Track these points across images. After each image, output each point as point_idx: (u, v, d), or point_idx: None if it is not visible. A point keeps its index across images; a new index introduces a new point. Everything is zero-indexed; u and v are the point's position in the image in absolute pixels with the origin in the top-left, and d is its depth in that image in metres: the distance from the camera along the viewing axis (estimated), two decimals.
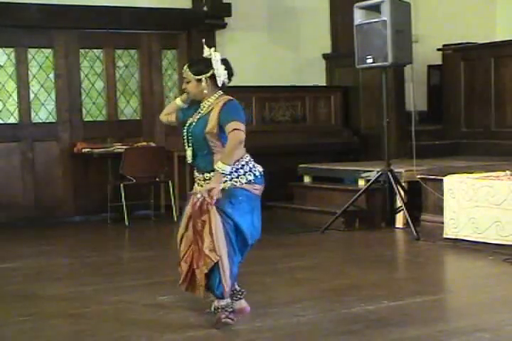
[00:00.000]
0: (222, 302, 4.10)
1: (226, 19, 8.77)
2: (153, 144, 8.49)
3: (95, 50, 8.59)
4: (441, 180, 6.46)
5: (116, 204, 7.95)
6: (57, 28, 8.28)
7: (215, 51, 4.21)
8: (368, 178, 7.36)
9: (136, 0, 8.49)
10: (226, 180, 4.08)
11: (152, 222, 8.22)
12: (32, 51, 8.29)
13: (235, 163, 4.06)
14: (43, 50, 8.34)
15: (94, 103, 8.61)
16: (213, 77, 4.16)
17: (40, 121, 8.34)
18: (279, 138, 8.71)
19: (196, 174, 4.27)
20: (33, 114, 8.31)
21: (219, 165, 4.00)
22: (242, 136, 4.02)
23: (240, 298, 4.26)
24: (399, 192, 7.01)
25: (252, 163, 4.20)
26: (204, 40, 4.34)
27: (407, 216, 6.85)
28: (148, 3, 8.53)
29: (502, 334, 3.88)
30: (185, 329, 4.06)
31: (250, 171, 4.16)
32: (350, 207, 7.18)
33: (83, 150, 8.15)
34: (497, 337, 3.83)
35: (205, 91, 4.17)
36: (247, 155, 4.20)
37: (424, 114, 9.27)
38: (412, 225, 6.69)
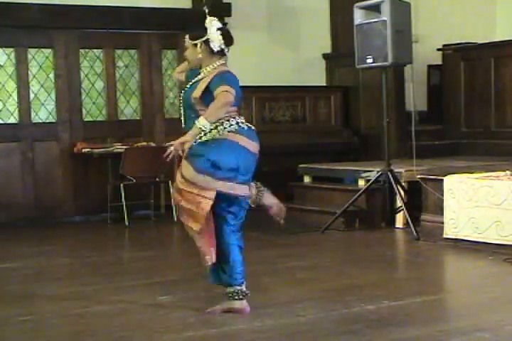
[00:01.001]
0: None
1: (226, 19, 8.76)
2: (153, 144, 8.48)
3: (95, 50, 8.59)
4: (441, 180, 6.46)
5: (116, 204, 7.95)
6: (57, 28, 8.28)
7: (216, 20, 4.29)
8: (368, 178, 7.36)
9: (136, 0, 8.49)
10: (211, 129, 4.08)
11: (152, 222, 8.22)
12: (32, 51, 8.29)
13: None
14: (43, 50, 8.34)
15: (94, 103, 8.62)
16: (208, 42, 4.21)
17: (40, 121, 8.34)
18: (279, 138, 8.71)
19: None
20: (33, 114, 8.31)
21: (199, 120, 4.01)
22: (231, 97, 4.03)
23: (242, 299, 4.26)
24: (399, 192, 7.01)
25: (240, 119, 4.19)
26: (206, 10, 4.36)
27: (407, 216, 6.85)
28: (149, 3, 8.54)
29: (502, 334, 3.88)
30: (185, 329, 4.06)
31: (237, 124, 4.16)
32: (350, 207, 7.17)
33: (83, 150, 8.15)
34: (497, 337, 3.83)
35: (200, 56, 4.22)
36: (243, 120, 4.21)
37: (424, 114, 9.27)
38: (412, 225, 6.68)
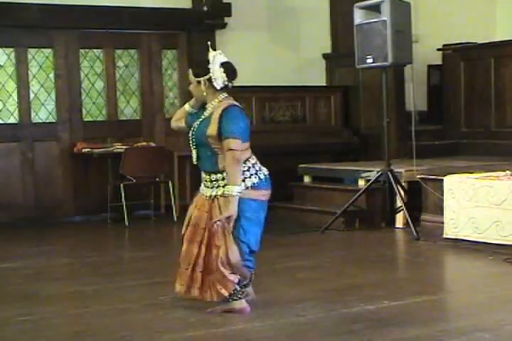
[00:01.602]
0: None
1: (226, 19, 8.77)
2: (153, 144, 8.49)
3: (95, 50, 8.59)
4: (441, 180, 6.46)
5: (116, 204, 7.95)
6: (57, 28, 8.28)
7: (220, 53, 4.24)
8: (368, 178, 7.36)
9: (136, 0, 8.49)
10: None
11: (152, 222, 8.22)
12: (32, 51, 8.29)
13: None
14: (43, 50, 8.34)
15: (94, 103, 8.62)
16: (211, 80, 4.21)
17: (40, 121, 8.34)
18: (279, 138, 8.71)
19: (203, 175, 4.32)
20: (33, 114, 8.31)
21: (228, 189, 4.08)
22: (238, 155, 4.08)
23: (241, 298, 4.26)
24: (399, 192, 7.01)
25: (258, 165, 4.26)
26: (210, 43, 4.37)
27: (407, 216, 6.85)
28: (149, 3, 8.53)
29: (502, 334, 3.88)
30: (185, 329, 4.06)
31: (256, 174, 4.22)
32: (350, 207, 7.18)
33: (83, 150, 8.15)
34: (497, 337, 3.83)
35: (204, 93, 4.23)
36: (253, 157, 4.26)
37: (424, 114, 9.27)
38: (412, 225, 6.68)
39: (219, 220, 4.09)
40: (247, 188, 4.15)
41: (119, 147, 8.16)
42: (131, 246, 7.24)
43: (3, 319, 4.39)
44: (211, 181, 4.23)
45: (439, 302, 4.64)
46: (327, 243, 6.78)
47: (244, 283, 4.32)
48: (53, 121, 8.39)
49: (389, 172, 7.06)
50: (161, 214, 8.42)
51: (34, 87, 8.30)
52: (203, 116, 4.26)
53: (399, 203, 7.11)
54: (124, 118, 8.76)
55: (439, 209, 6.48)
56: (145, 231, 7.78)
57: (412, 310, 4.34)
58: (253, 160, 4.25)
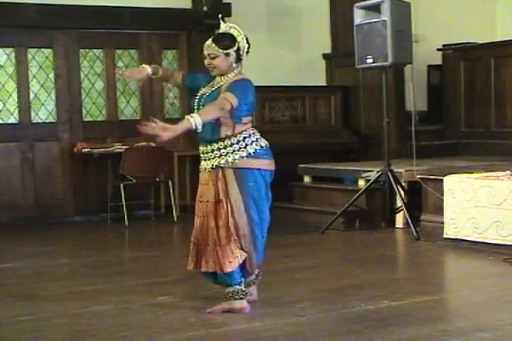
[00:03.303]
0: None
1: (226, 19, 8.74)
2: (153, 144, 8.47)
3: (95, 50, 8.60)
4: (441, 180, 6.46)
5: (116, 204, 7.95)
6: (57, 28, 8.28)
7: (232, 27, 4.28)
8: (368, 178, 7.36)
9: (136, 0, 8.49)
10: (233, 150, 4.18)
11: (152, 222, 8.22)
12: (32, 51, 8.29)
13: (236, 133, 4.19)
14: (43, 50, 8.34)
15: (94, 103, 8.62)
16: (238, 51, 4.24)
17: (40, 121, 8.34)
18: (279, 138, 8.69)
19: (201, 148, 4.31)
20: (33, 114, 8.31)
21: (192, 114, 4.04)
22: (227, 105, 4.06)
23: (242, 298, 4.26)
24: (399, 192, 7.01)
25: (257, 135, 4.29)
26: (221, 16, 4.38)
27: (407, 216, 6.85)
28: (149, 3, 8.53)
29: (502, 334, 3.88)
30: (185, 329, 4.06)
31: (256, 141, 4.26)
32: (350, 207, 7.18)
33: (83, 150, 8.15)
34: (497, 337, 3.83)
35: (234, 64, 4.24)
36: (253, 128, 4.30)
37: (424, 114, 9.27)
38: (412, 225, 6.68)
39: (155, 123, 4.00)
40: (248, 156, 4.18)
41: (119, 147, 8.16)
42: (131, 246, 7.24)
43: (3, 319, 4.39)
44: (212, 151, 4.22)
45: (439, 302, 4.64)
46: (327, 243, 6.78)
47: (251, 278, 4.35)
48: (53, 121, 8.39)
49: (389, 172, 7.06)
50: (161, 214, 8.42)
51: (34, 87, 8.30)
52: (215, 86, 4.26)
53: (399, 203, 7.11)
54: (124, 119, 8.76)
55: (439, 209, 6.48)
56: (145, 231, 7.77)
57: (412, 310, 4.34)
58: (252, 130, 4.28)
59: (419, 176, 6.81)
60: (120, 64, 8.72)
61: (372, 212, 7.34)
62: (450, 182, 6.36)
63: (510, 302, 4.51)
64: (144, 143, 8.38)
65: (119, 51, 8.71)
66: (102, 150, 8.14)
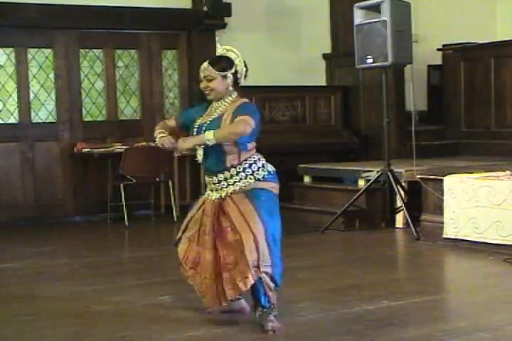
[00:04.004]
0: (266, 309, 4.03)
1: (226, 19, 8.76)
2: (153, 144, 8.46)
3: (95, 50, 8.59)
4: (441, 180, 6.46)
5: (116, 204, 7.95)
6: (57, 28, 8.28)
7: (229, 50, 4.19)
8: (368, 178, 7.36)
9: (136, 0, 8.49)
10: (241, 179, 4.04)
11: (152, 222, 8.22)
12: (32, 51, 8.29)
13: (241, 160, 4.04)
14: (43, 50, 8.34)
15: (94, 103, 8.62)
16: (235, 74, 4.12)
17: (40, 121, 8.34)
18: (279, 138, 8.71)
19: (207, 178, 4.16)
20: (33, 114, 8.31)
21: (208, 133, 3.93)
22: (248, 129, 3.92)
23: (239, 299, 4.26)
24: (399, 192, 7.01)
25: (263, 161, 4.15)
26: (218, 38, 4.33)
27: (407, 216, 6.85)
28: (149, 3, 8.53)
29: (502, 334, 3.88)
30: (185, 329, 4.06)
31: (263, 167, 4.12)
32: (350, 207, 7.18)
33: (83, 150, 8.15)
34: (497, 337, 3.84)
35: (230, 87, 4.11)
36: (258, 154, 4.16)
37: (424, 114, 9.27)
38: (412, 225, 6.68)
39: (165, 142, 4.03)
40: (257, 181, 4.04)
41: (119, 147, 8.16)
42: (131, 246, 7.24)
43: (3, 319, 4.39)
44: (219, 182, 4.08)
45: (439, 303, 4.64)
46: (327, 243, 6.78)
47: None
48: (53, 121, 8.39)
49: (389, 172, 7.06)
50: (161, 214, 8.42)
51: (34, 87, 8.30)
52: (215, 114, 4.11)
53: (399, 203, 7.11)
54: (124, 118, 8.76)
55: (439, 209, 6.48)
56: (145, 231, 7.77)
57: (412, 310, 4.34)
58: (258, 156, 4.15)
59: (419, 176, 6.81)
60: (120, 64, 8.72)
61: (372, 212, 7.34)
62: (450, 182, 6.36)
63: (510, 303, 4.51)
64: (144, 143, 8.39)
65: (119, 51, 8.71)
66: (102, 150, 8.14)
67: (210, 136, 3.93)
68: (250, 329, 4.03)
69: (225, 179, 4.07)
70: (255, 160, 4.11)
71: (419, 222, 6.79)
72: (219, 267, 4.00)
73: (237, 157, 4.07)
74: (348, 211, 7.19)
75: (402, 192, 7.06)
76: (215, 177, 4.10)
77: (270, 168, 4.16)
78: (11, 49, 8.20)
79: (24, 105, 8.24)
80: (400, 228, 7.14)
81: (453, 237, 6.28)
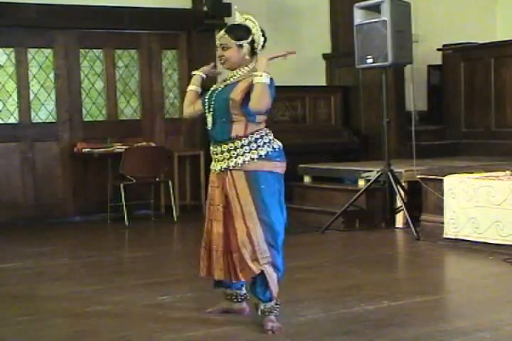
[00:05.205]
0: (269, 305, 4.02)
1: (226, 19, 8.76)
2: (153, 144, 8.48)
3: (95, 50, 8.59)
4: (441, 180, 6.46)
5: (116, 204, 7.95)
6: (57, 28, 8.27)
7: (248, 19, 4.14)
8: (368, 178, 7.36)
9: (136, 0, 8.49)
10: (244, 152, 3.97)
11: (152, 222, 8.21)
12: (32, 51, 8.28)
13: (248, 133, 3.99)
14: (43, 50, 8.33)
15: (94, 103, 8.61)
16: (252, 43, 4.09)
17: (40, 121, 8.34)
18: (279, 138, 8.65)
19: (212, 148, 4.08)
20: (33, 114, 8.31)
21: (263, 75, 4.00)
22: (267, 107, 3.98)
23: (240, 301, 4.25)
24: (399, 192, 7.01)
25: (270, 136, 4.09)
26: (236, 7, 4.29)
27: (407, 216, 6.85)
28: (148, 3, 8.53)
29: (502, 334, 3.88)
30: (185, 329, 4.06)
31: (269, 143, 4.06)
32: (350, 207, 7.18)
33: (83, 150, 8.15)
34: (497, 337, 3.83)
35: (247, 57, 4.08)
36: (267, 129, 4.11)
37: (424, 114, 9.27)
38: (412, 225, 6.68)
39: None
40: (260, 158, 3.97)
41: (119, 147, 8.16)
42: (131, 246, 7.23)
43: (3, 319, 4.39)
44: (222, 152, 4.00)
45: (439, 303, 4.64)
46: (327, 243, 6.78)
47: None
48: (53, 121, 8.39)
49: (389, 173, 7.06)
50: (161, 214, 8.42)
51: (34, 87, 8.30)
52: (228, 81, 4.06)
53: (399, 203, 7.11)
54: (124, 118, 8.76)
55: (439, 209, 6.48)
56: (145, 231, 7.77)
57: (412, 310, 4.34)
58: (266, 131, 4.10)
59: (419, 176, 6.81)
60: (120, 64, 8.72)
61: (372, 212, 7.34)
62: (450, 182, 6.36)
63: (510, 302, 4.51)
64: (144, 143, 8.39)
65: (119, 51, 8.71)
66: (102, 150, 8.14)
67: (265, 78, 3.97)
68: (250, 329, 4.03)
69: (228, 150, 3.98)
70: (262, 135, 4.05)
71: (419, 222, 6.79)
72: (229, 241, 3.97)
73: (244, 128, 4.00)
74: (348, 211, 7.19)
75: (402, 192, 7.06)
76: (219, 148, 4.03)
77: (276, 144, 4.11)
78: (11, 49, 8.20)
79: (24, 105, 8.24)
80: (400, 228, 7.14)
81: (453, 237, 6.28)
